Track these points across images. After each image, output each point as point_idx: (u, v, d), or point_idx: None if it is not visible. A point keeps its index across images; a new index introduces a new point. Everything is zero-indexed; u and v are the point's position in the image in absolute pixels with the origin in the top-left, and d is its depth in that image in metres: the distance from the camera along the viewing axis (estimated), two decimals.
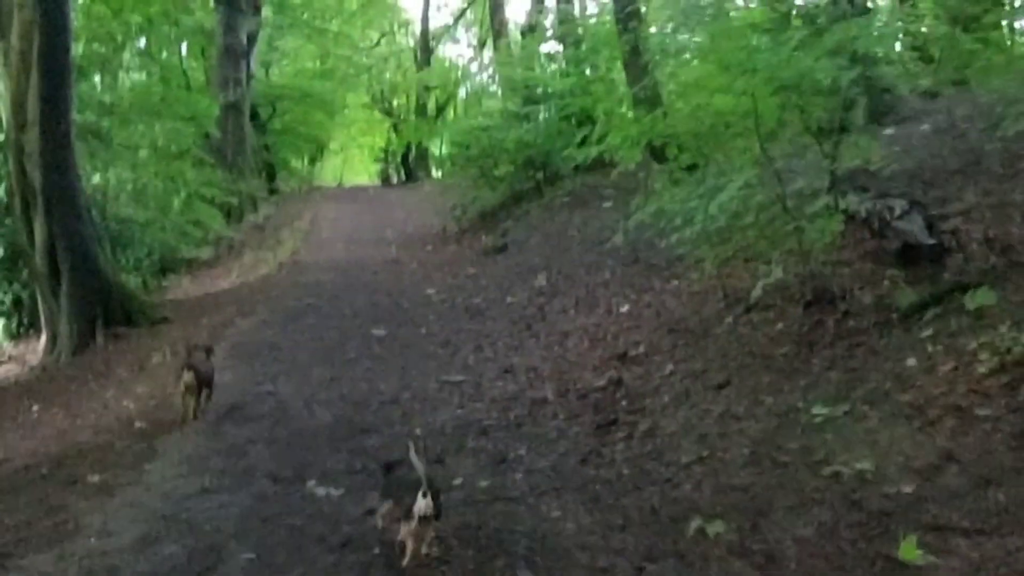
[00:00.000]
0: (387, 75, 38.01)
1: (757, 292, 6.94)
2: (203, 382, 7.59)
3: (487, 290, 13.49)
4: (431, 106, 38.39)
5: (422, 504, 4.46)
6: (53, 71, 14.08)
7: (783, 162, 11.02)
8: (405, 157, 38.63)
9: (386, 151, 41.11)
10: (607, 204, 16.55)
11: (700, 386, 7.10)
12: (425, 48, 38.67)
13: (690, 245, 8.73)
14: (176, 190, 24.04)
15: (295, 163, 37.96)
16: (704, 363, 7.56)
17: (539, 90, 20.55)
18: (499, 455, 6.56)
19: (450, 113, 37.68)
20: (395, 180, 39.47)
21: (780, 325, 7.56)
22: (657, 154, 16.28)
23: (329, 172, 45.10)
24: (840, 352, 6.56)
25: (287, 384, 8.58)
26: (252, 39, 28.25)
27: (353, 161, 47.82)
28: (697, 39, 9.32)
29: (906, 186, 8.97)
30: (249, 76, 27.89)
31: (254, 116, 30.52)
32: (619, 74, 19.49)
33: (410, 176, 37.89)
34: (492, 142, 20.12)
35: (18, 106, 14.22)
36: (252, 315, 12.26)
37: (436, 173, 37.26)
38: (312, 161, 41.14)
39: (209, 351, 8.14)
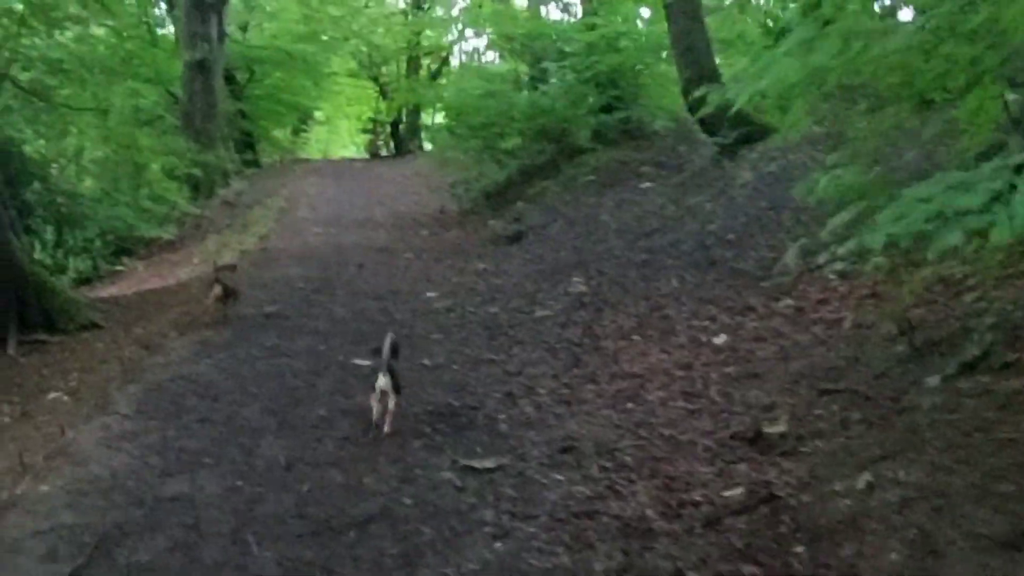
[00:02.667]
0: (375, 40, 34.27)
1: None
2: (229, 293, 9.31)
3: (506, 295, 10.11)
4: (423, 73, 34.82)
5: (382, 381, 5.84)
6: None
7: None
8: (395, 128, 35.14)
9: (374, 121, 37.55)
10: (646, 184, 13.23)
11: (954, 531, 3.73)
12: (417, 10, 34.99)
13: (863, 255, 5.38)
14: (135, 161, 20.54)
15: (277, 133, 34.28)
16: (930, 473, 4.18)
17: (556, 47, 17.03)
18: None
19: (443, 80, 34.03)
20: (384, 152, 35.99)
21: None
22: (708, 124, 12.93)
23: (314, 144, 41.44)
24: None
25: (214, 476, 5.14)
26: None
27: (339, 132, 44.12)
28: None
29: None
30: (222, 33, 24.20)
31: (229, 80, 26.92)
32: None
33: (400, 148, 34.40)
34: (498, 110, 16.64)
35: None
36: (192, 330, 8.84)
37: (428, 146, 33.85)
38: (296, 131, 37.46)
39: (233, 268, 10.44)
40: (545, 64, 17.81)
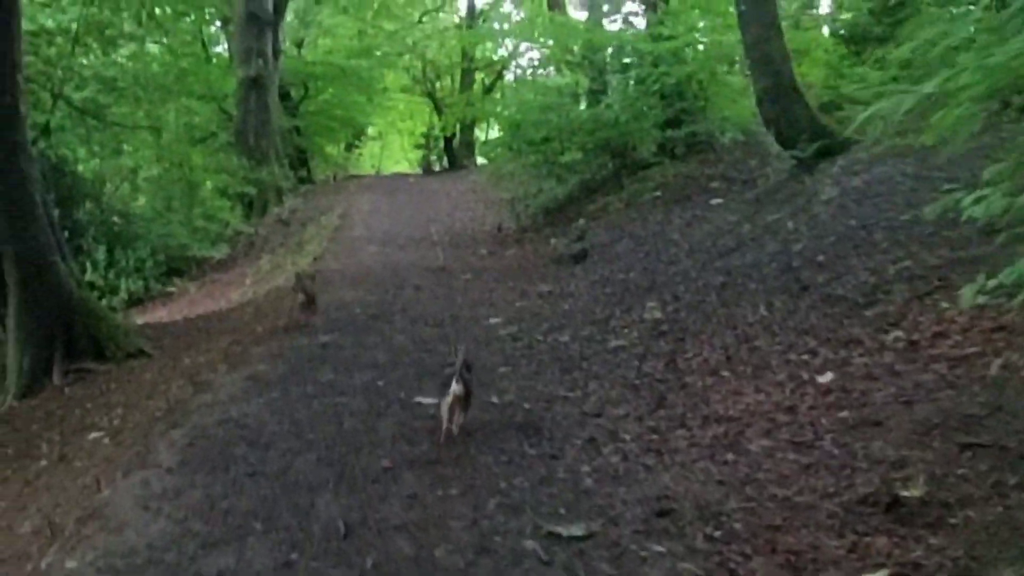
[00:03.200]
0: (430, 56, 33.82)
1: None
2: (310, 300, 9.86)
3: (575, 321, 9.39)
4: (477, 88, 34.25)
5: (455, 388, 5.82)
6: None
7: None
8: (448, 143, 34.60)
9: (427, 136, 37.08)
10: (716, 200, 12.45)
11: None
12: (472, 21, 34.39)
13: None
14: (188, 179, 20.15)
15: (330, 149, 33.89)
16: None
17: (619, 59, 16.28)
18: None
19: (497, 94, 33.44)
20: (437, 168, 35.48)
21: None
22: (785, 136, 12.12)
23: (367, 159, 41.07)
24: None
25: (265, 546, 4.45)
26: (280, 7, 24.22)
27: (392, 147, 43.72)
28: None
29: None
30: (276, 50, 23.87)
31: (284, 96, 26.56)
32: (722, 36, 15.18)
33: (453, 163, 33.85)
34: (559, 123, 15.94)
35: None
36: (243, 363, 8.20)
37: (480, 160, 33.28)
38: (349, 147, 37.09)
39: (312, 277, 10.46)
40: (607, 76, 17.13)
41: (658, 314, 8.78)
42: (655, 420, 6.21)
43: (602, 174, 16.27)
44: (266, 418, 6.41)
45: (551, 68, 28.44)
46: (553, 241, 13.99)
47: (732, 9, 15.41)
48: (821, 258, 8.64)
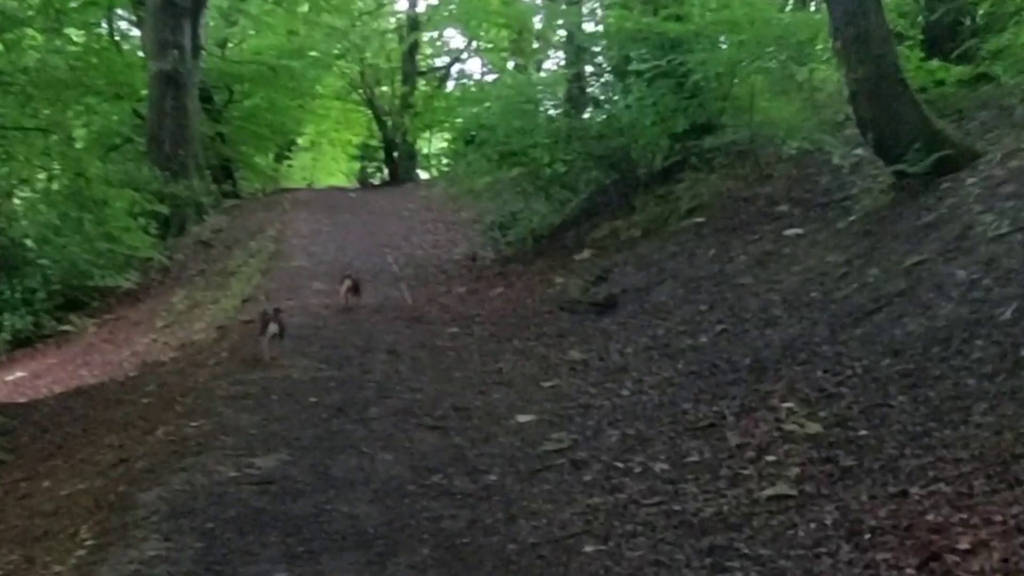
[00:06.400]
0: (368, 59, 29.91)
1: None
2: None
3: (657, 424, 5.79)
4: (418, 95, 30.36)
5: (272, 327, 7.93)
6: None
7: None
8: (390, 155, 30.68)
9: (365, 148, 33.17)
10: (792, 231, 8.95)
11: None
12: (412, 29, 30.46)
13: None
14: (90, 194, 16.06)
15: (258, 160, 29.68)
16: None
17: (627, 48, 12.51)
18: None
19: (439, 102, 29.48)
20: (376, 181, 31.62)
21: None
22: (888, 147, 8.69)
23: (298, 171, 36.85)
24: None
25: None
26: None
27: (326, 159, 39.51)
28: None
29: None
30: (197, 45, 19.73)
31: (206, 100, 22.49)
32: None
33: (395, 177, 29.94)
34: (552, 128, 12.30)
35: None
36: (121, 535, 4.36)
37: (423, 174, 29.50)
38: (279, 158, 32.88)
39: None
40: (598, 71, 13.57)
41: (814, 426, 5.19)
42: None
43: (600, 192, 12.70)
44: None
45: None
46: (559, 281, 10.35)
47: None
48: None
